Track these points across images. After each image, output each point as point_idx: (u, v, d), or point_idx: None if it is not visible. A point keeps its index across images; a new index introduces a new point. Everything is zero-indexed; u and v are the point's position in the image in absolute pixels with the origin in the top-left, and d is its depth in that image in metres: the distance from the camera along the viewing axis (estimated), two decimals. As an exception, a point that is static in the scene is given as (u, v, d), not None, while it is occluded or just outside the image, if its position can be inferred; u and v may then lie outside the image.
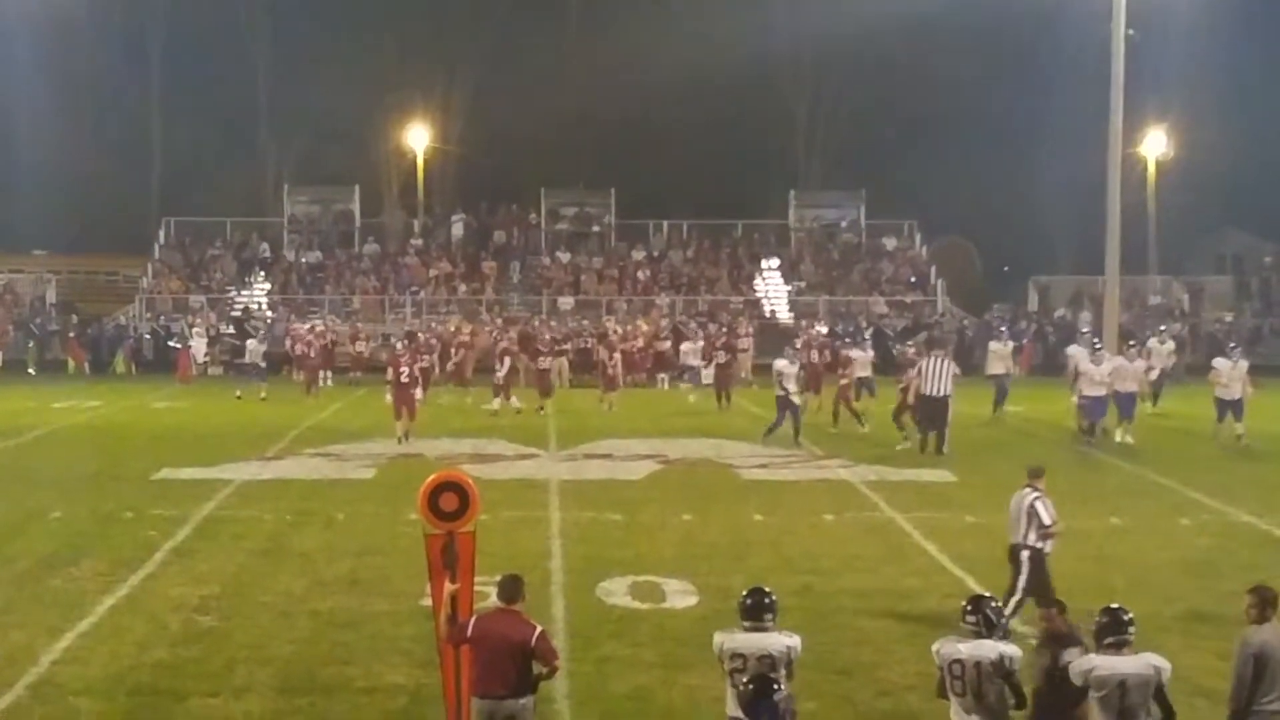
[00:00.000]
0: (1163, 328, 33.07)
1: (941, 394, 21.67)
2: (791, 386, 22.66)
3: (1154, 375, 27.30)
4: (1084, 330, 30.67)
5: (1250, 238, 50.35)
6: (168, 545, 14.74)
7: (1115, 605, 7.65)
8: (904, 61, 47.06)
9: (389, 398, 22.70)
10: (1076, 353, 24.47)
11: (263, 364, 31.87)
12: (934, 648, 7.72)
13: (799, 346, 27.71)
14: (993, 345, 27.87)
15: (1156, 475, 19.77)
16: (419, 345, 28.09)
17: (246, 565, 13.98)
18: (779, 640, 7.67)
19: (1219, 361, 23.95)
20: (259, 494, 17.98)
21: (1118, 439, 22.80)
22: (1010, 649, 7.55)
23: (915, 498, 17.90)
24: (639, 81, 47.21)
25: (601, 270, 44.47)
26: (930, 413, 21.77)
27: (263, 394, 30.39)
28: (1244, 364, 23.48)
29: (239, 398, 30.25)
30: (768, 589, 7.93)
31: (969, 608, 7.70)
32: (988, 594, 8.39)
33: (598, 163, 49.26)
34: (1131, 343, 26.43)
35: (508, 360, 28.37)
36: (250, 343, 32.80)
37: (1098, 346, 24.11)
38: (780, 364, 22.89)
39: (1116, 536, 15.70)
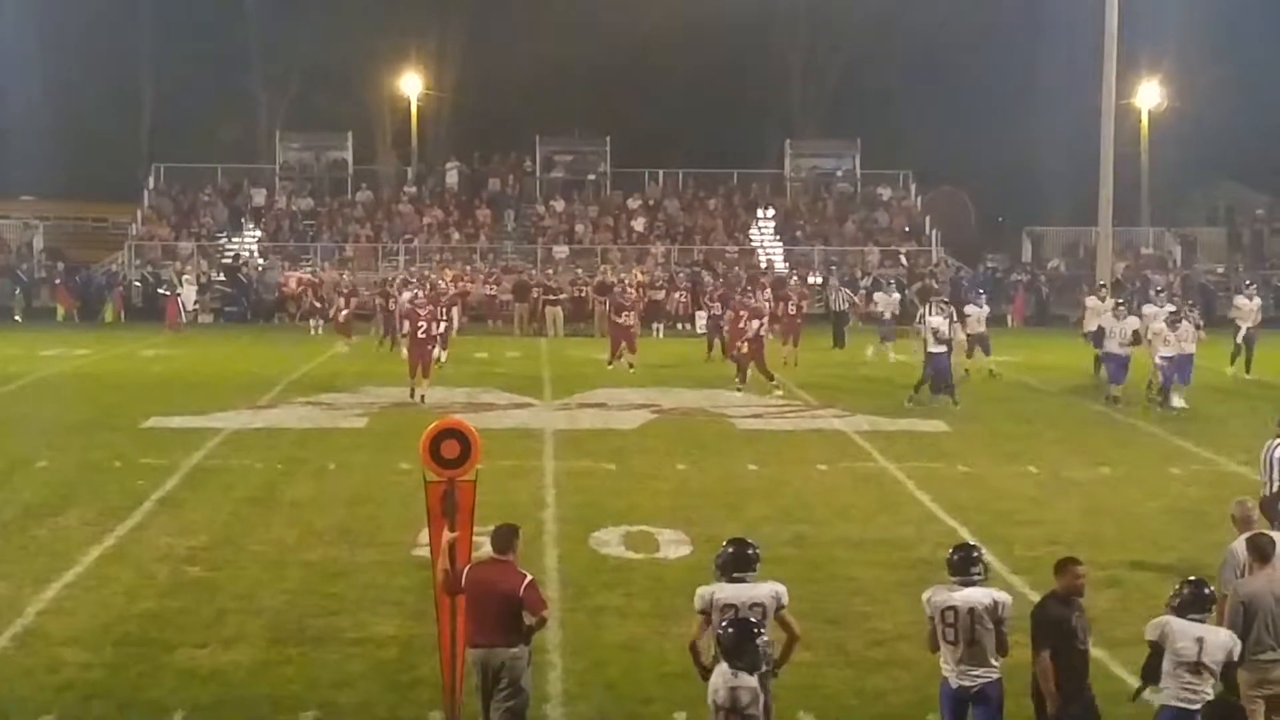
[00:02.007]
0: (1249, 281, 29.91)
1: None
2: (931, 343, 21.42)
3: (1240, 336, 25.51)
4: (1158, 289, 28.03)
5: (1243, 189, 50.17)
6: (156, 495, 14.65)
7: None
8: (899, 11, 46.69)
9: (405, 353, 22.01)
10: (1152, 312, 23.11)
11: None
12: (924, 597, 7.70)
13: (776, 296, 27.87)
14: (1089, 301, 26.56)
15: (1147, 425, 19.77)
16: (436, 300, 26.85)
17: (236, 515, 13.90)
18: (767, 588, 7.64)
19: None
20: (249, 443, 17.88)
21: (1181, 402, 21.22)
22: (1002, 595, 7.54)
23: (909, 448, 17.87)
24: (635, 28, 46.82)
25: (596, 219, 44.25)
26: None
27: (390, 345, 28.72)
28: None
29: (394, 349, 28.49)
30: (750, 541, 7.88)
31: (956, 556, 7.68)
32: (970, 542, 8.39)
33: (593, 110, 48.90)
34: (1190, 302, 24.41)
35: (455, 312, 27.89)
36: (406, 295, 31.07)
37: (1173, 312, 22.41)
38: (933, 320, 21.64)
39: (1107, 486, 15.71)
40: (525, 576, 7.86)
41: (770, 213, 44.96)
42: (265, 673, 9.50)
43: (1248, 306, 26.01)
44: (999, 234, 49.02)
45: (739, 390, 22.79)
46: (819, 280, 38.91)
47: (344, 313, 30.40)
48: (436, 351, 25.50)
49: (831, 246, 43.01)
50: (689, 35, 47.31)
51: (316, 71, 48.81)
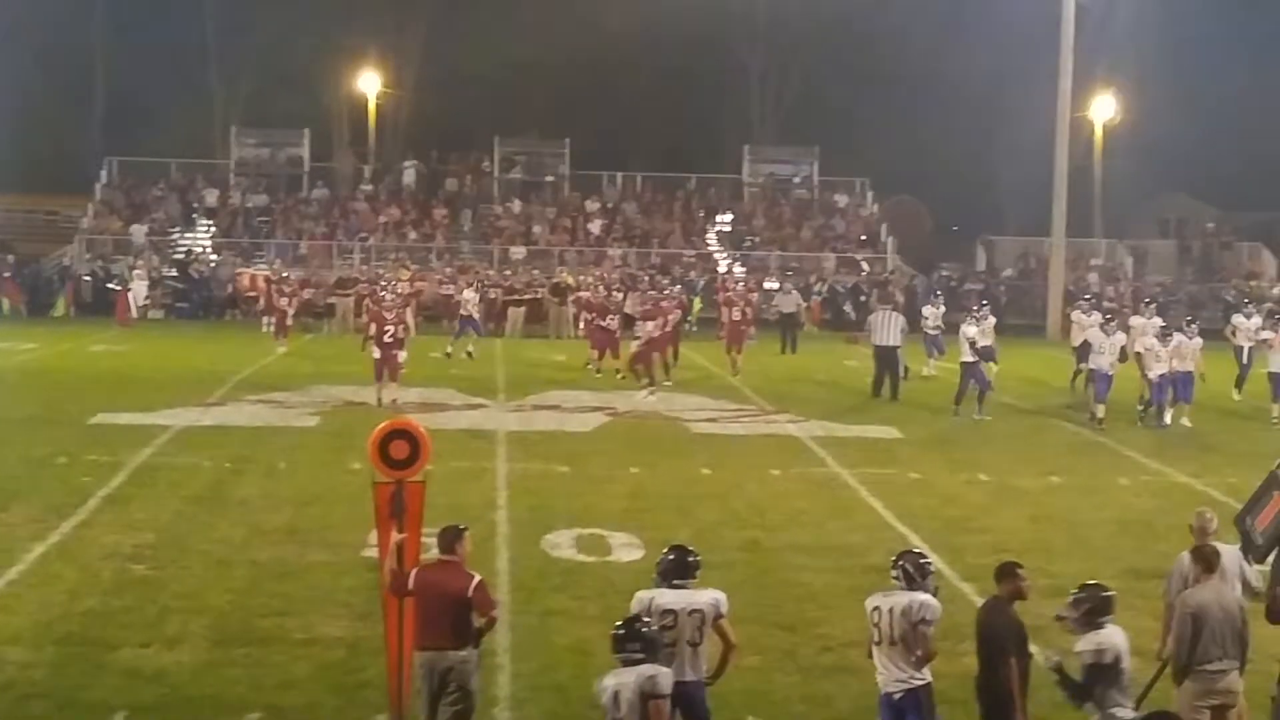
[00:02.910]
0: (1248, 300, 28.91)
1: (891, 344, 23.00)
2: (970, 354, 21.29)
3: (1245, 358, 23.91)
4: (1147, 300, 26.84)
5: (1194, 203, 50.83)
6: (102, 492, 14.47)
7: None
8: (858, 20, 46.92)
9: (376, 354, 21.21)
10: (1140, 325, 22.50)
11: (476, 315, 29.55)
12: (866, 601, 7.76)
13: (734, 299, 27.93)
14: (1075, 315, 25.70)
15: (1096, 435, 19.90)
16: (402, 300, 25.61)
17: (183, 513, 13.75)
18: (707, 595, 7.63)
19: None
20: (198, 441, 17.69)
21: (1184, 421, 20.73)
22: (923, 597, 7.52)
23: (861, 453, 17.93)
24: (596, 31, 46.75)
25: (554, 220, 44.19)
26: (882, 360, 23.14)
27: (470, 348, 28.06)
28: None
29: (470, 355, 27.74)
30: (691, 548, 7.87)
31: (894, 561, 7.77)
32: (915, 549, 8.41)
33: (552, 112, 48.87)
34: (1189, 318, 23.34)
35: (409, 313, 27.26)
36: (467, 293, 30.33)
37: (1164, 327, 21.89)
38: (968, 330, 21.59)
39: (1055, 495, 15.80)
40: (474, 577, 7.82)
41: (728, 218, 45.09)
42: (209, 673, 9.40)
43: (1245, 325, 24.55)
44: (953, 242, 49.34)
45: (654, 389, 22.56)
46: (775, 285, 38.97)
47: (287, 313, 30.20)
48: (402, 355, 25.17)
49: (788, 252, 43.15)
50: (649, 39, 47.39)
51: (274, 68, 48.43)
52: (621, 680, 6.71)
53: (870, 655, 7.68)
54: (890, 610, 7.49)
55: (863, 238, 44.60)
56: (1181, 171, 49.44)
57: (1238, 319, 25.33)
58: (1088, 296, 29.53)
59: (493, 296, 35.42)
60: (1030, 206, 43.45)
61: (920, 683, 7.49)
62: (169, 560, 11.99)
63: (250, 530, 13.10)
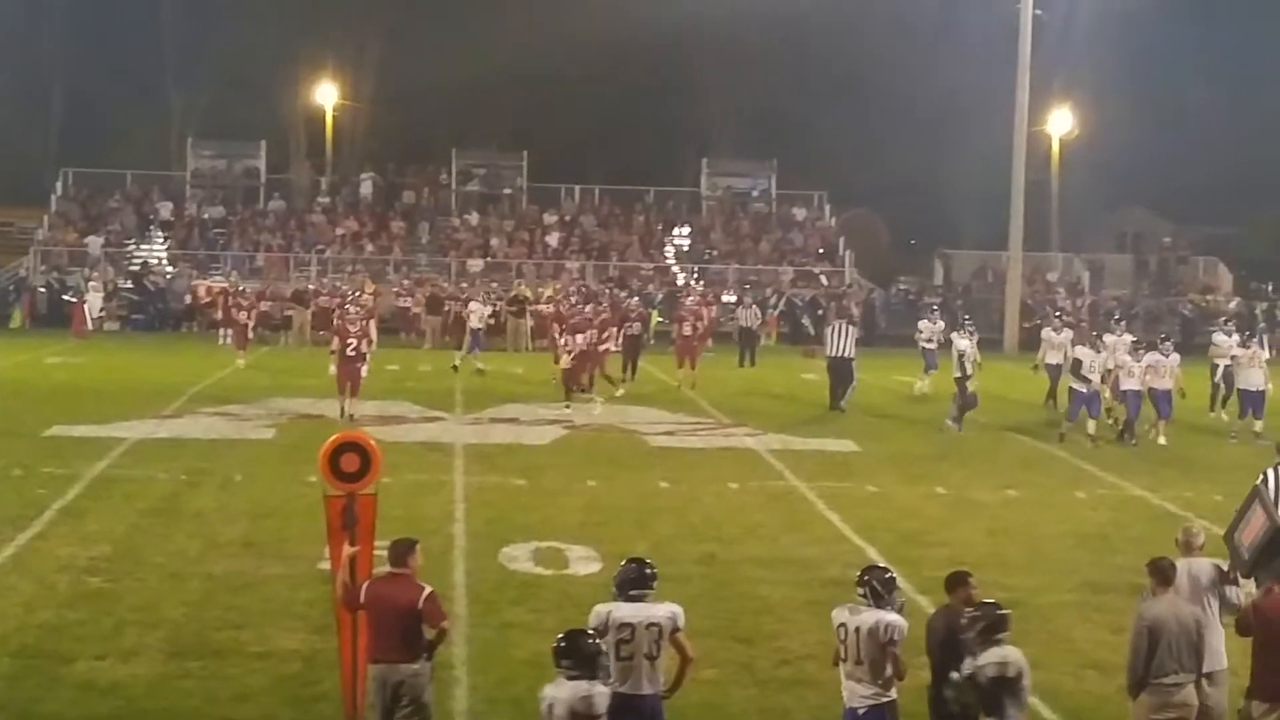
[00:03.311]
0: (1225, 318, 28.40)
1: (844, 355, 23.36)
2: (968, 368, 21.16)
3: (1218, 375, 23.18)
4: (1117, 318, 26.18)
5: (1150, 217, 51.39)
6: (57, 504, 14.35)
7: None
8: (815, 34, 47.22)
9: (333, 369, 21.15)
10: (1112, 343, 21.98)
11: (481, 328, 29.08)
12: (833, 613, 7.75)
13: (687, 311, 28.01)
14: (1046, 333, 24.96)
15: (1053, 449, 20.05)
16: (365, 314, 24.81)
17: (138, 526, 13.65)
18: (665, 608, 7.61)
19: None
20: (154, 453, 17.56)
21: (1160, 439, 20.47)
22: (891, 618, 7.50)
23: (818, 467, 17.98)
24: (554, 44, 46.85)
25: (512, 233, 44.16)
26: (835, 372, 23.47)
27: (480, 364, 27.78)
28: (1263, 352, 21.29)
29: (479, 370, 27.49)
30: (649, 561, 7.85)
31: (860, 577, 7.74)
32: (881, 564, 8.42)
33: (510, 125, 48.92)
34: (1164, 335, 22.88)
35: (372, 325, 26.91)
36: (474, 305, 29.85)
37: (1135, 341, 21.56)
38: (960, 343, 21.51)
39: (1012, 508, 15.88)
40: (424, 588, 7.80)
41: (686, 231, 45.18)
42: (164, 686, 9.33)
43: (1226, 344, 23.39)
44: (911, 256, 49.67)
45: (568, 407, 22.20)
46: (733, 299, 39.09)
47: (248, 326, 29.97)
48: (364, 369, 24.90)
49: (746, 265, 43.28)
50: (607, 53, 47.46)
51: (231, 79, 48.19)
52: (557, 695, 6.65)
53: (835, 665, 7.70)
54: (857, 630, 7.47)
55: (820, 251, 44.81)
56: (1138, 185, 49.99)
57: (1218, 337, 24.30)
58: (1057, 314, 29.31)
59: (447, 309, 35.25)
60: (987, 220, 43.80)
61: (886, 700, 7.49)
62: (124, 573, 11.90)
63: (206, 543, 13.02)
